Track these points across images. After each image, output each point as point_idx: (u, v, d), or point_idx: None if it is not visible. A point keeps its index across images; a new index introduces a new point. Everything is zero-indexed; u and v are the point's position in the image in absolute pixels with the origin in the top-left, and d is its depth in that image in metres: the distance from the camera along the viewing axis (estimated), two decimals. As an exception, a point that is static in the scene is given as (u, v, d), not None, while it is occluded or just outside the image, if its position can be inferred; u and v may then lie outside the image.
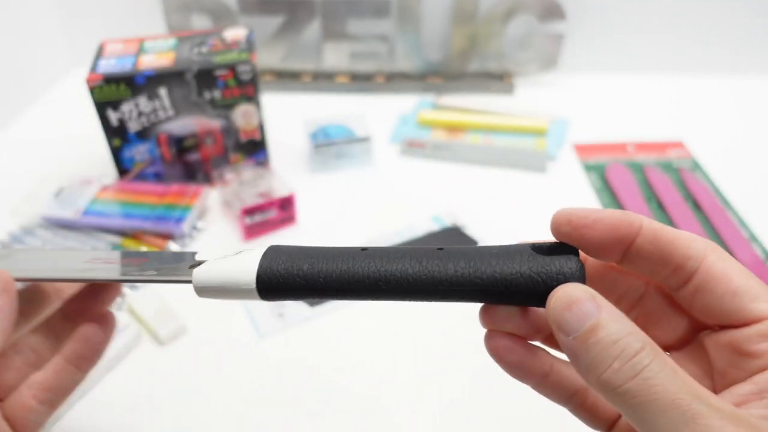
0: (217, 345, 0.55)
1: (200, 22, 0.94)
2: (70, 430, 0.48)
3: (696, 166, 0.77)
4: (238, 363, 0.53)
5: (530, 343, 0.25)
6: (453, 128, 0.85)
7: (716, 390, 0.22)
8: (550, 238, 0.25)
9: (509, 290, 0.23)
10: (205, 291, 0.26)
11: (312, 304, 0.58)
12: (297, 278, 0.25)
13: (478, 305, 0.25)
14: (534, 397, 0.50)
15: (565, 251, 0.23)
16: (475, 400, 0.50)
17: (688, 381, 0.19)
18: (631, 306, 0.26)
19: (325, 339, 0.55)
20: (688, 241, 0.22)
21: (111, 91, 0.65)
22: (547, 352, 0.26)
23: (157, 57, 0.67)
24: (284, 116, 0.87)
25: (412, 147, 0.80)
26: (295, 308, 0.57)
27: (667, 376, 0.19)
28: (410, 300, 0.25)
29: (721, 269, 0.22)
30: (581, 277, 0.23)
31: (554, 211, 0.24)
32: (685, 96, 0.94)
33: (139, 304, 0.56)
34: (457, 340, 0.54)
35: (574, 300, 0.21)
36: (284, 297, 0.25)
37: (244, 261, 0.25)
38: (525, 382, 0.25)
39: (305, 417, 0.48)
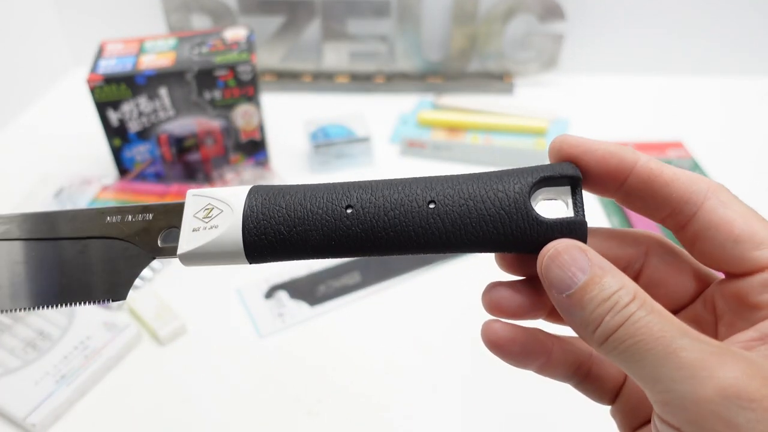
0: (217, 345, 0.55)
1: (200, 22, 0.94)
2: (71, 430, 0.48)
3: (696, 166, 0.77)
4: (238, 363, 0.53)
5: (529, 329, 0.25)
6: (453, 128, 0.85)
7: (721, 340, 0.21)
8: None
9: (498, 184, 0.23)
10: (196, 195, 0.25)
11: (312, 304, 0.58)
12: (281, 198, 0.24)
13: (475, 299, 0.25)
14: (532, 394, 0.50)
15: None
16: (475, 399, 0.50)
17: (675, 322, 0.19)
18: (634, 276, 0.25)
19: (325, 339, 0.55)
20: (688, 183, 0.21)
21: (111, 92, 0.65)
22: (547, 334, 0.25)
23: (158, 57, 0.67)
24: (284, 116, 0.87)
25: (412, 147, 0.80)
26: (295, 308, 0.57)
27: (652, 318, 0.18)
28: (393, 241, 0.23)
29: (721, 215, 0.21)
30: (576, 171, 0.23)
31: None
32: (685, 96, 0.94)
33: (139, 304, 0.56)
34: (456, 340, 0.54)
35: (566, 256, 0.20)
36: (271, 200, 0.24)
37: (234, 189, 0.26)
38: (528, 369, 0.25)
39: (305, 417, 0.48)
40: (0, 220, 0.27)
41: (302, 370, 0.52)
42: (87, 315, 0.55)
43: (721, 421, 0.17)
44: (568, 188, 0.23)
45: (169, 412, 0.49)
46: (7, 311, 0.26)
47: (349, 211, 0.23)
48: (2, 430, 0.47)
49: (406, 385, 0.51)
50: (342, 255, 0.24)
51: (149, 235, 0.26)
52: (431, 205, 0.23)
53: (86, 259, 0.26)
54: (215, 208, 0.25)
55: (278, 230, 0.24)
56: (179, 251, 0.24)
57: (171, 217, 0.26)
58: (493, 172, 0.24)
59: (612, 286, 0.19)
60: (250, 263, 0.24)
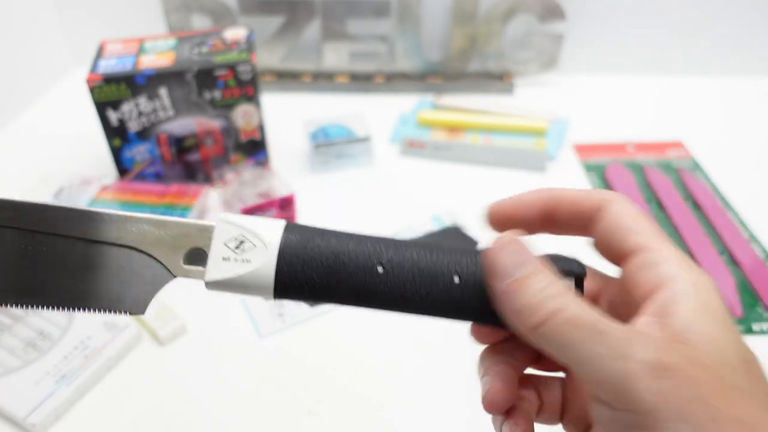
0: (217, 345, 0.55)
1: (200, 22, 0.94)
2: (71, 430, 0.48)
3: (696, 166, 0.77)
4: (238, 363, 0.53)
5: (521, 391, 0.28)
6: (453, 128, 0.85)
7: None
8: (551, 240, 0.26)
9: None
10: (228, 223, 0.25)
11: (312, 304, 0.58)
12: (316, 239, 0.25)
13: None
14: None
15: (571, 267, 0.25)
16: (475, 399, 0.50)
17: (598, 310, 0.21)
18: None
19: (325, 339, 0.55)
20: (586, 196, 0.25)
21: (111, 91, 0.65)
22: (535, 394, 0.28)
23: (157, 57, 0.67)
24: (284, 116, 0.87)
25: (412, 147, 0.80)
26: (295, 308, 0.57)
27: (578, 306, 0.21)
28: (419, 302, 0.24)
29: (615, 212, 0.24)
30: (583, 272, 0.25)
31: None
32: (685, 96, 0.94)
33: (139, 304, 0.56)
34: (457, 339, 0.54)
35: (515, 246, 0.23)
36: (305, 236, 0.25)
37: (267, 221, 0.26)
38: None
39: (305, 417, 0.49)
40: (4, 204, 0.25)
41: (302, 370, 0.52)
42: (87, 315, 0.55)
43: (648, 390, 0.19)
44: (572, 281, 0.25)
45: (169, 412, 0.49)
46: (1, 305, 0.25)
47: (380, 269, 0.24)
48: (2, 430, 0.47)
49: (406, 385, 0.51)
50: (366, 306, 0.25)
51: (172, 253, 0.25)
52: (456, 279, 0.24)
53: (100, 265, 0.25)
54: (248, 241, 0.25)
55: (310, 276, 0.24)
56: (207, 278, 0.25)
57: (197, 238, 0.25)
58: None
59: (549, 277, 0.22)
60: (275, 299, 0.25)
